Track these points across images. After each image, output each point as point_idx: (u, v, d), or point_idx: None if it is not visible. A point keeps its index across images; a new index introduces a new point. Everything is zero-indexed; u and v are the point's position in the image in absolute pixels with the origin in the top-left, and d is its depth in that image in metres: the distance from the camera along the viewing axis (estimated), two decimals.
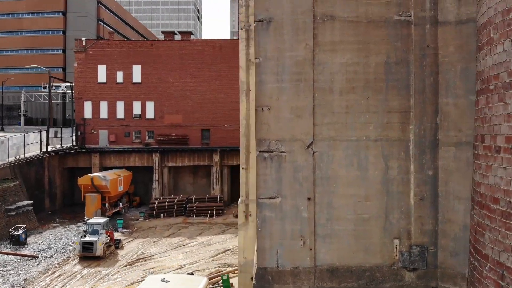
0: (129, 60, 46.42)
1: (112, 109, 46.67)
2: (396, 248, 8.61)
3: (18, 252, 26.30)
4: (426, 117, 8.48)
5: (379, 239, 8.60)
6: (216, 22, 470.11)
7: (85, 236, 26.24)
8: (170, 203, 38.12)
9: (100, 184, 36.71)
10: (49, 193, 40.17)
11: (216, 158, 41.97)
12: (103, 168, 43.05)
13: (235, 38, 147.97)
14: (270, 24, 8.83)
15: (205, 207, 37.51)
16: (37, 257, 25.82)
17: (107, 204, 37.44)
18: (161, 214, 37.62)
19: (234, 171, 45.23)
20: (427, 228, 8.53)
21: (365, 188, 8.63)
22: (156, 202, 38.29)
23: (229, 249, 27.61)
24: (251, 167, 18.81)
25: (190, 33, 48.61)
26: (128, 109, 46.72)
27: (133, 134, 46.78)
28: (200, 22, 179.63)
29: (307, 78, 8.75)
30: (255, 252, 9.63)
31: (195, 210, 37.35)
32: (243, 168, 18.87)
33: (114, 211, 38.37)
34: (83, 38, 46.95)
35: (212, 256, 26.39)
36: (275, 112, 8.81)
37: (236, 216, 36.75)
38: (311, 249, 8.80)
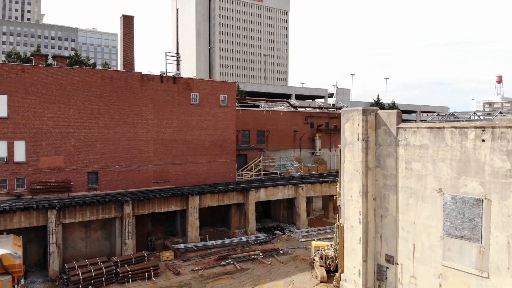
0: None
1: None
2: None
3: None
4: None
5: None
6: None
7: None
8: (98, 271, 32.42)
9: (13, 263, 27.95)
10: None
11: (128, 209, 37.48)
12: None
13: None
14: None
15: (141, 269, 33.77)
16: None
17: (15, 286, 28.88)
18: (89, 286, 31.73)
19: (138, 220, 41.49)
20: None
21: None
22: (79, 271, 31.74)
23: None
24: (369, 258, 21.44)
25: (67, 57, 40.45)
26: None
27: None
28: None
29: None
30: None
31: (130, 275, 33.13)
32: (364, 261, 21.22)
33: None
34: None
35: None
36: None
37: (177, 274, 35.12)
38: None
